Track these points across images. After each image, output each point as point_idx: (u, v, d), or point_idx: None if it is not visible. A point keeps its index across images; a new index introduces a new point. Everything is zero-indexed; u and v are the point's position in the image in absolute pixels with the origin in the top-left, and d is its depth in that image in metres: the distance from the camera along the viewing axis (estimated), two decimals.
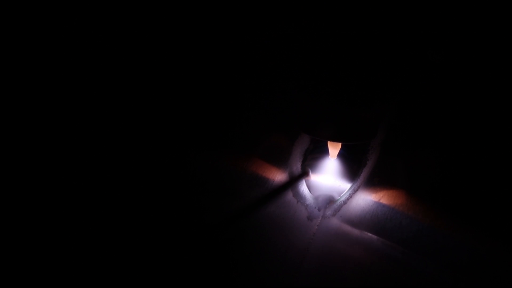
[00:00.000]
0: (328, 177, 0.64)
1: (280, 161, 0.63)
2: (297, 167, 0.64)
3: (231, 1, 0.59)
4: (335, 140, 0.61)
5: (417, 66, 0.63)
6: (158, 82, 0.60)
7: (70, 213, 0.47)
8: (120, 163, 0.53)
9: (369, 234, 0.55)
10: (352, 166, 0.64)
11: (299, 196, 0.62)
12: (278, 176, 0.62)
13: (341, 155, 0.64)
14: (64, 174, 0.47)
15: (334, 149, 0.63)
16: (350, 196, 0.60)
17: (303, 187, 0.63)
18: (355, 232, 0.56)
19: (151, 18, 0.56)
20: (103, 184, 0.50)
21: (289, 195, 0.61)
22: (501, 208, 0.54)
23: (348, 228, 0.57)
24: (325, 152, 0.64)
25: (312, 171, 0.65)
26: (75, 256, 0.46)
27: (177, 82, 0.62)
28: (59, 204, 0.47)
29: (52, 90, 0.50)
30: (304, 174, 0.57)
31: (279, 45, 0.63)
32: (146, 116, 0.57)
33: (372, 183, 0.60)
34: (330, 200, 0.59)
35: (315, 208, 0.59)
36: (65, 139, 0.50)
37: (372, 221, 0.55)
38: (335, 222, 0.59)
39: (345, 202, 0.60)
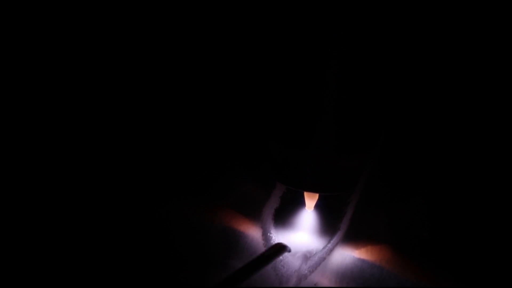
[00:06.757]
0: (304, 231, 0.60)
1: (254, 213, 0.60)
2: (270, 221, 0.60)
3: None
4: (311, 190, 0.58)
5: (400, 111, 0.62)
6: (131, 126, 0.61)
7: None
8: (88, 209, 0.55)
9: None
10: (330, 219, 0.60)
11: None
12: (250, 230, 0.58)
13: (319, 207, 0.60)
14: None
15: (310, 200, 0.59)
16: (329, 251, 0.56)
17: (276, 241, 0.58)
18: None
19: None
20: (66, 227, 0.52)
21: (260, 250, 0.56)
22: (492, 266, 0.51)
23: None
24: (301, 203, 0.60)
25: (287, 224, 0.61)
26: None
27: (150, 127, 0.64)
28: None
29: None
30: (281, 249, 0.52)
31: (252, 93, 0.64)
32: (116, 163, 0.60)
33: (353, 237, 0.56)
34: (306, 257, 0.54)
35: (290, 265, 0.54)
36: None
37: (354, 279, 0.51)
38: (313, 280, 0.53)
39: (323, 258, 0.55)
